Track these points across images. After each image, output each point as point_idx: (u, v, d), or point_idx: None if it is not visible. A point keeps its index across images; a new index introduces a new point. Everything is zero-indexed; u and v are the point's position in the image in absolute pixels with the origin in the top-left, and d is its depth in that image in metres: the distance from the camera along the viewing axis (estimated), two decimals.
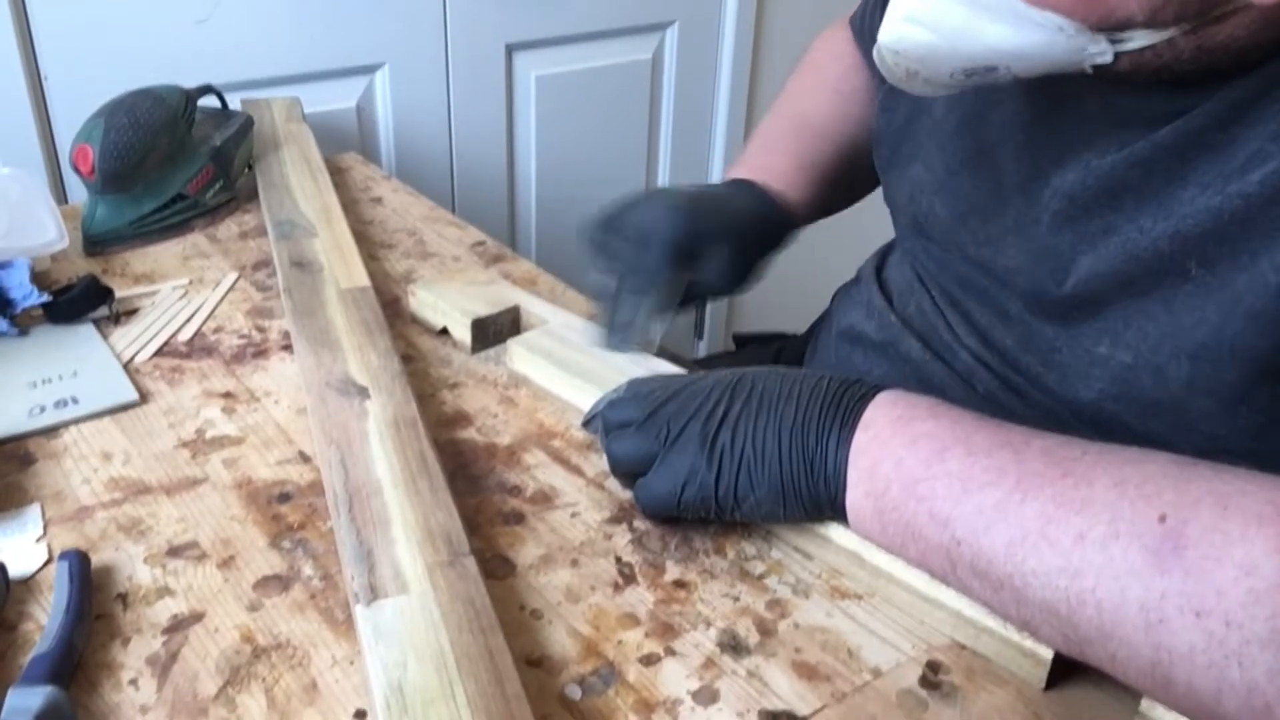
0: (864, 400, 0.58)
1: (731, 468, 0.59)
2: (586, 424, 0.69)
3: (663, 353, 0.81)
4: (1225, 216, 0.55)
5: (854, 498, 0.57)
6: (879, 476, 0.55)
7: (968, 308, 0.73)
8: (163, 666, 0.54)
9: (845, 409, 0.58)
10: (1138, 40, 0.55)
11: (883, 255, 0.88)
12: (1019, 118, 0.68)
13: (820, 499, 0.58)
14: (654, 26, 1.68)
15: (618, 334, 0.77)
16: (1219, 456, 0.49)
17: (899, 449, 0.55)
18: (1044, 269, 0.65)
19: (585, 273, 0.79)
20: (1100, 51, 0.56)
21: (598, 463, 0.71)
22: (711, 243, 0.78)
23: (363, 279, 0.87)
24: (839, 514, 0.58)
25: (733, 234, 0.79)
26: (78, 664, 0.54)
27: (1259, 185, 0.53)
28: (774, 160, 0.88)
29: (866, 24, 0.93)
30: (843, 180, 0.93)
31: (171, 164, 1.00)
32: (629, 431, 0.62)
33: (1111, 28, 0.55)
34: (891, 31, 0.61)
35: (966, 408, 0.59)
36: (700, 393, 0.61)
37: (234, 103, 1.17)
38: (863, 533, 0.58)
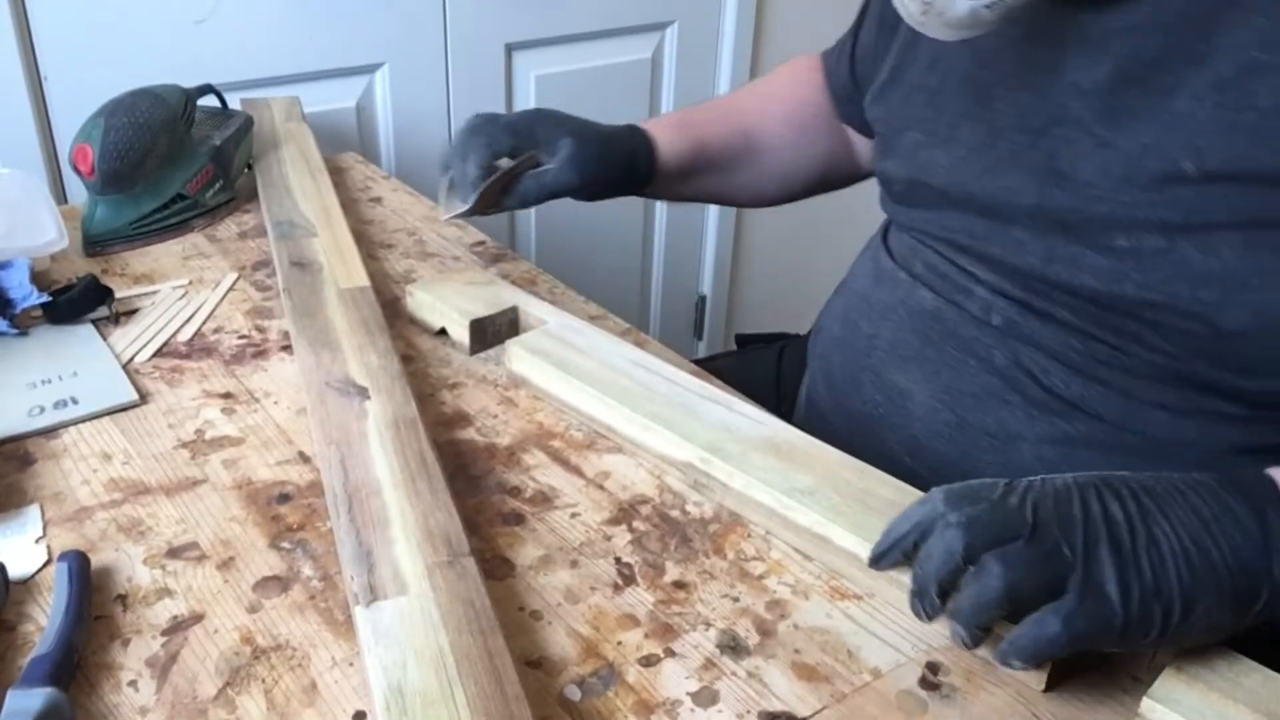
0: (1259, 477, 0.55)
1: (1171, 575, 0.51)
2: (882, 557, 0.57)
3: (661, 352, 0.80)
4: (1236, 132, 0.58)
5: None
6: None
7: (978, 248, 0.73)
8: (162, 668, 0.54)
9: (1246, 485, 0.54)
10: None
11: (884, 229, 0.88)
12: (1006, 66, 0.71)
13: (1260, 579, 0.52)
14: (653, 26, 1.68)
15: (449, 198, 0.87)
16: (1269, 314, 0.58)
17: None
18: (1047, 185, 0.67)
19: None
20: None
21: (597, 463, 0.71)
22: (555, 138, 0.86)
23: (362, 279, 0.87)
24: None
25: (575, 135, 0.87)
26: (77, 665, 0.54)
27: (1270, 100, 0.57)
28: (662, 119, 0.97)
29: (836, 44, 0.99)
30: (721, 158, 0.97)
31: (171, 164, 1.00)
32: (1016, 549, 0.51)
33: None
34: None
35: (979, 341, 0.70)
36: (1055, 494, 0.54)
37: (233, 102, 1.17)
38: None
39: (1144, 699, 0.52)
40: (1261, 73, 0.58)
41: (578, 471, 0.70)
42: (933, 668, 0.56)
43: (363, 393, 0.72)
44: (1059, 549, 0.51)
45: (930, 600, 0.53)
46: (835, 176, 1.03)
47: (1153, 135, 0.62)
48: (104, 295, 0.85)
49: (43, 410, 0.73)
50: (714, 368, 0.87)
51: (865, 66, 0.91)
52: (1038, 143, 0.68)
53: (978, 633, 0.52)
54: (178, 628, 0.57)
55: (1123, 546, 0.51)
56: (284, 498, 0.66)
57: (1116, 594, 0.50)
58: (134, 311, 0.87)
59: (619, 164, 0.90)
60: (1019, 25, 0.69)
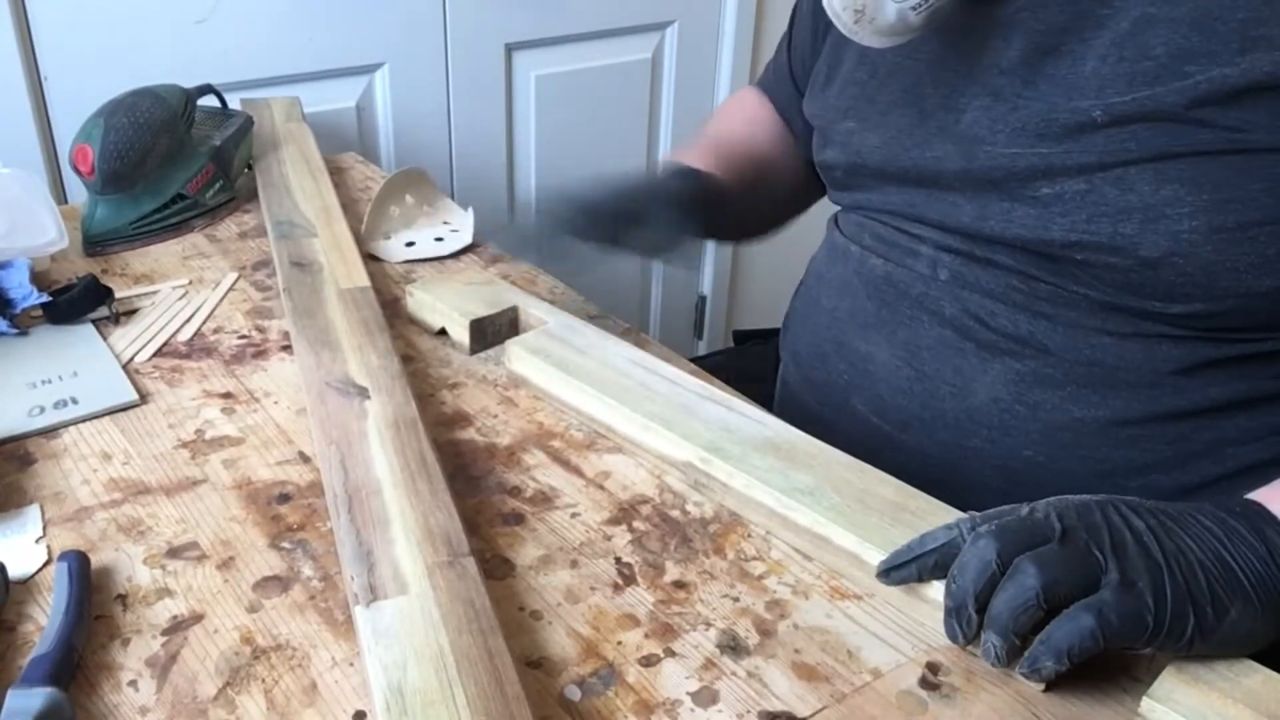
0: (1247, 503, 0.57)
1: (1200, 578, 0.52)
2: (899, 569, 0.57)
3: (661, 351, 0.80)
4: (1137, 79, 0.64)
5: None
6: None
7: (918, 214, 0.78)
8: (162, 667, 0.54)
9: (1240, 510, 0.56)
10: None
11: (835, 215, 0.91)
12: (930, 56, 0.76)
13: None
14: (654, 26, 1.68)
15: (538, 254, 0.86)
16: (1183, 239, 0.63)
17: None
18: (970, 150, 0.72)
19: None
20: None
21: (597, 463, 0.71)
22: (648, 208, 0.84)
23: (362, 279, 0.87)
24: None
25: (663, 200, 0.85)
26: (77, 665, 0.54)
27: (1164, 48, 0.64)
28: (689, 155, 0.95)
29: (770, 70, 1.02)
30: (756, 179, 0.97)
31: (171, 164, 1.00)
32: (1049, 549, 0.52)
33: None
34: None
35: (928, 296, 0.75)
36: (1077, 507, 0.55)
37: (234, 102, 1.17)
38: None
39: (1144, 699, 0.52)
40: (1154, 25, 0.64)
41: (578, 471, 0.70)
42: (933, 668, 0.56)
43: (363, 393, 0.72)
44: (1090, 550, 0.52)
45: (968, 616, 0.53)
46: (805, 198, 1.04)
47: (1064, 94, 0.68)
48: (104, 295, 0.85)
49: (43, 410, 0.73)
50: (711, 364, 0.88)
51: (802, 76, 0.95)
52: (961, 118, 0.73)
53: (1013, 640, 0.52)
54: (178, 627, 0.57)
55: (1151, 550, 0.52)
56: (284, 498, 0.66)
57: (1150, 592, 0.51)
58: (134, 311, 0.87)
59: (697, 220, 0.88)
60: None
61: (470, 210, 1.03)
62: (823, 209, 1.04)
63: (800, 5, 0.96)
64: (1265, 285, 0.64)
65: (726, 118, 1.05)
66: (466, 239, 1.00)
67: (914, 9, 0.67)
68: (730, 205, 0.93)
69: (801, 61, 0.95)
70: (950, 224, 0.75)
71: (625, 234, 0.83)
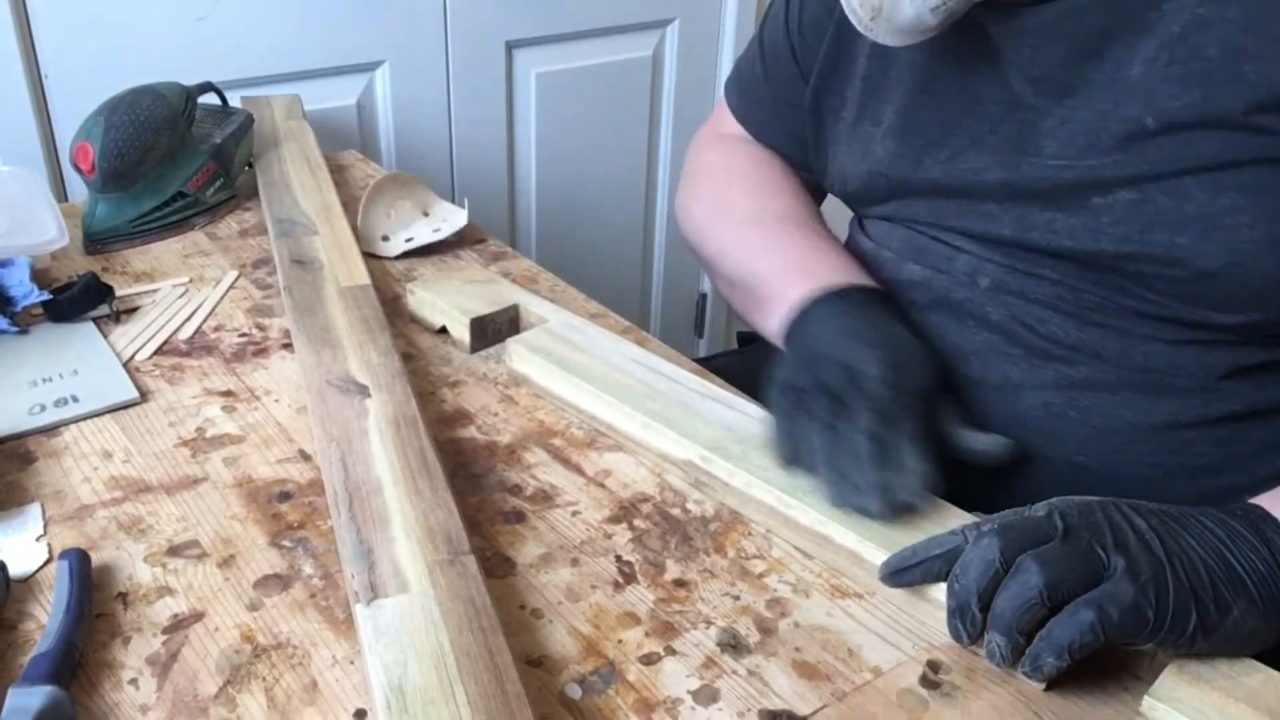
0: (1249, 506, 0.57)
1: (1202, 574, 0.52)
2: (903, 573, 0.57)
3: (661, 349, 0.80)
4: (1190, 81, 0.61)
5: None
6: None
7: (948, 223, 0.74)
8: (163, 666, 0.54)
9: (1241, 513, 0.56)
10: None
11: (855, 219, 0.87)
12: (956, 60, 0.73)
13: None
14: (654, 24, 1.68)
15: (893, 493, 0.62)
16: (1244, 250, 0.61)
17: None
18: (1011, 162, 0.69)
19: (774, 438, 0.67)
20: None
21: (598, 461, 0.71)
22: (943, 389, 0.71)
23: (363, 277, 0.87)
24: None
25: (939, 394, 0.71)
26: (78, 663, 0.54)
27: (1218, 48, 0.60)
28: (832, 259, 0.80)
29: (752, 102, 0.93)
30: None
31: (171, 162, 1.00)
32: (1052, 547, 0.52)
33: None
34: None
35: (972, 302, 0.71)
36: (1078, 507, 0.55)
37: (234, 100, 1.17)
38: None
39: (1145, 698, 0.52)
40: (1207, 25, 0.61)
41: (578, 470, 0.70)
42: (933, 666, 0.56)
43: (363, 391, 0.72)
44: (1092, 548, 0.52)
45: (971, 615, 0.53)
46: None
47: (1111, 101, 0.65)
48: (104, 293, 0.85)
49: (43, 408, 0.73)
50: (715, 366, 0.87)
51: (807, 61, 0.85)
52: (997, 128, 0.70)
53: (1017, 639, 0.52)
54: (178, 626, 0.57)
55: (1153, 548, 0.53)
56: (284, 496, 0.66)
57: (1151, 588, 0.51)
58: (134, 309, 0.87)
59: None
60: (958, 29, 0.69)
61: (465, 201, 1.03)
62: (823, 210, 1.04)
63: (797, 30, 0.86)
64: None
65: (762, 193, 0.89)
66: (461, 222, 0.99)
67: (932, 10, 0.64)
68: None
69: (801, 64, 0.86)
70: (989, 235, 0.72)
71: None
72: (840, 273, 0.76)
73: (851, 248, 0.85)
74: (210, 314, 0.87)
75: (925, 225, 0.76)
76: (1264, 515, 0.56)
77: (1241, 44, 0.60)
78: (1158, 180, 0.63)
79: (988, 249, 0.72)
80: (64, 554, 0.58)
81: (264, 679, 0.54)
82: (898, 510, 0.61)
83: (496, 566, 0.61)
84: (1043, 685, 0.54)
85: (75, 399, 0.74)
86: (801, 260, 0.80)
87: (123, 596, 0.58)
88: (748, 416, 0.70)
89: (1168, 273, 0.64)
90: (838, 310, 0.73)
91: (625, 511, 0.66)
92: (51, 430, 0.72)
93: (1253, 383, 0.67)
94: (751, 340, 1.10)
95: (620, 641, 0.56)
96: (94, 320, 0.85)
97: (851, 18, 0.68)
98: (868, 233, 0.83)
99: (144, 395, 0.76)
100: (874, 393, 0.64)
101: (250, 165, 1.11)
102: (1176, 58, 0.62)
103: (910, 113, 0.75)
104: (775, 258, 0.82)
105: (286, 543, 0.63)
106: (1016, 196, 0.69)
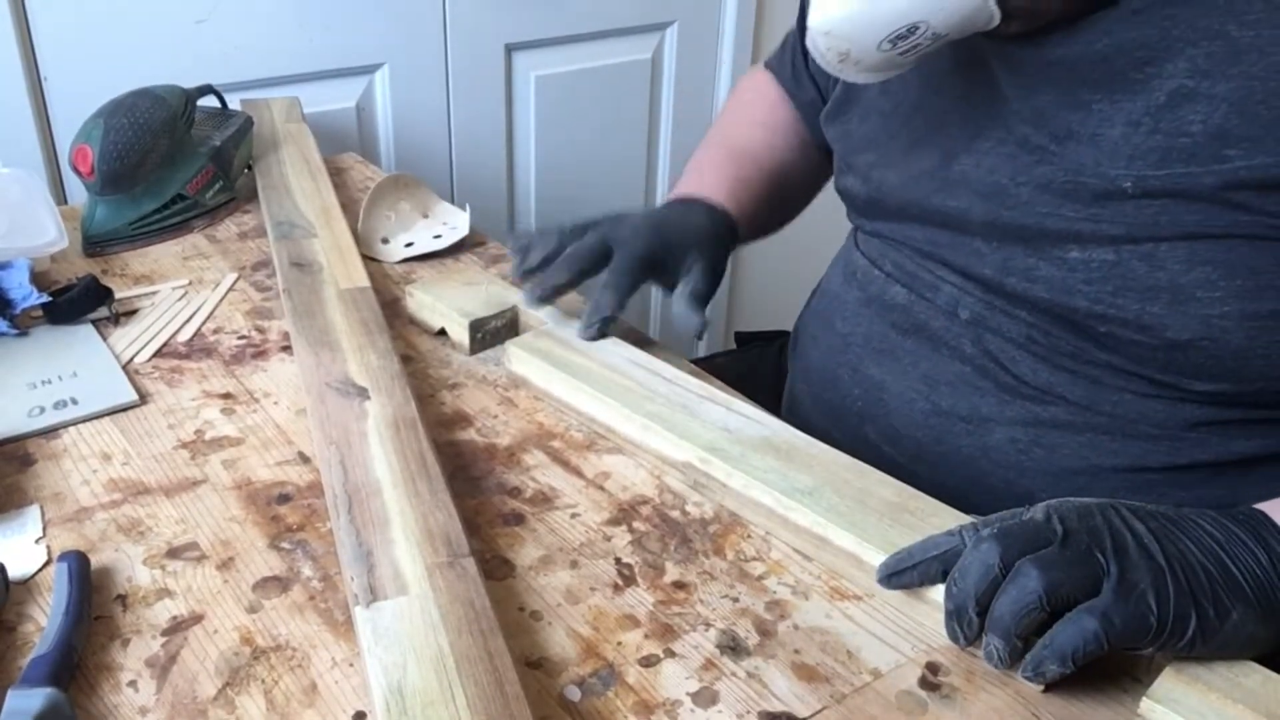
0: (1252, 511, 0.57)
1: (1202, 579, 0.52)
2: (900, 575, 0.57)
3: (661, 350, 0.80)
4: (1172, 154, 0.62)
5: None
6: None
7: (940, 254, 0.76)
8: (162, 668, 0.54)
9: (1243, 517, 0.56)
10: None
11: (854, 233, 0.90)
12: (956, 91, 0.74)
13: None
14: (654, 26, 1.68)
15: (589, 326, 0.79)
16: (1215, 324, 0.61)
17: None
18: (994, 203, 0.70)
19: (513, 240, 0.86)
20: None
21: (597, 463, 0.71)
22: (682, 256, 0.83)
23: (362, 279, 0.87)
24: None
25: (696, 248, 0.83)
26: (77, 665, 0.54)
27: (1202, 125, 0.61)
28: (711, 181, 0.93)
29: (786, 63, 1.00)
30: (774, 200, 0.97)
31: (171, 164, 1.00)
32: (1051, 552, 0.52)
33: None
34: (818, 11, 0.65)
35: (949, 331, 0.74)
36: (1078, 510, 0.55)
37: (233, 103, 1.17)
38: None
39: (1144, 699, 0.52)
40: (1193, 99, 0.61)
41: (577, 472, 0.70)
42: (933, 668, 0.56)
43: (362, 393, 0.72)
44: (1091, 552, 0.52)
45: (969, 619, 0.53)
46: (814, 188, 1.03)
47: (1091, 156, 0.65)
48: (104, 296, 0.85)
49: (43, 410, 0.73)
50: (713, 366, 0.87)
51: (822, 79, 0.93)
52: (983, 162, 0.71)
53: (1015, 642, 0.52)
54: (177, 628, 0.57)
55: (1153, 553, 0.53)
56: (284, 498, 0.66)
57: (1151, 594, 0.51)
58: (134, 312, 0.87)
59: (721, 265, 0.87)
60: (961, 50, 0.71)
61: (467, 206, 1.03)
62: (822, 208, 1.04)
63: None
64: None
65: (745, 121, 1.02)
66: (463, 230, 1.00)
67: (901, 54, 0.65)
68: (749, 239, 0.93)
69: (819, 70, 0.93)
70: (972, 272, 0.73)
71: (663, 283, 0.82)
72: (711, 192, 0.90)
73: (841, 261, 0.89)
74: (209, 316, 0.87)
75: (916, 252, 0.78)
76: (1264, 520, 0.56)
77: (1225, 125, 0.60)
78: (1133, 243, 0.64)
79: (970, 284, 0.74)
80: (63, 556, 0.58)
81: (263, 681, 0.54)
82: (545, 302, 0.80)
83: (496, 569, 0.61)
84: (1041, 687, 0.54)
85: (74, 401, 0.74)
86: (701, 181, 0.93)
87: (122, 598, 0.58)
88: (746, 418, 0.70)
89: (1138, 338, 0.65)
90: (668, 204, 0.89)
91: (624, 514, 0.66)
92: (51, 432, 0.72)
93: (1222, 434, 0.68)
94: (750, 341, 1.10)
95: (620, 644, 0.57)
96: (93, 322, 0.85)
97: (820, 61, 0.68)
98: (862, 247, 0.85)
99: (143, 397, 0.76)
100: (623, 228, 0.81)
101: (250, 168, 1.11)
102: (1159, 128, 0.63)
103: (911, 149, 0.77)
104: (694, 176, 0.95)
105: (286, 545, 0.63)
106: (1002, 236, 0.70)
